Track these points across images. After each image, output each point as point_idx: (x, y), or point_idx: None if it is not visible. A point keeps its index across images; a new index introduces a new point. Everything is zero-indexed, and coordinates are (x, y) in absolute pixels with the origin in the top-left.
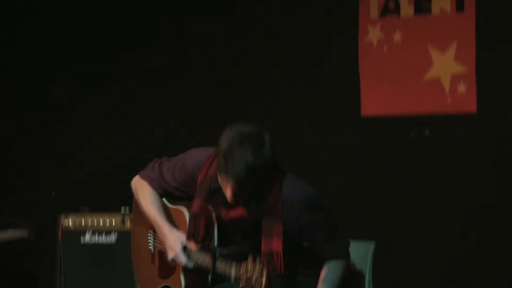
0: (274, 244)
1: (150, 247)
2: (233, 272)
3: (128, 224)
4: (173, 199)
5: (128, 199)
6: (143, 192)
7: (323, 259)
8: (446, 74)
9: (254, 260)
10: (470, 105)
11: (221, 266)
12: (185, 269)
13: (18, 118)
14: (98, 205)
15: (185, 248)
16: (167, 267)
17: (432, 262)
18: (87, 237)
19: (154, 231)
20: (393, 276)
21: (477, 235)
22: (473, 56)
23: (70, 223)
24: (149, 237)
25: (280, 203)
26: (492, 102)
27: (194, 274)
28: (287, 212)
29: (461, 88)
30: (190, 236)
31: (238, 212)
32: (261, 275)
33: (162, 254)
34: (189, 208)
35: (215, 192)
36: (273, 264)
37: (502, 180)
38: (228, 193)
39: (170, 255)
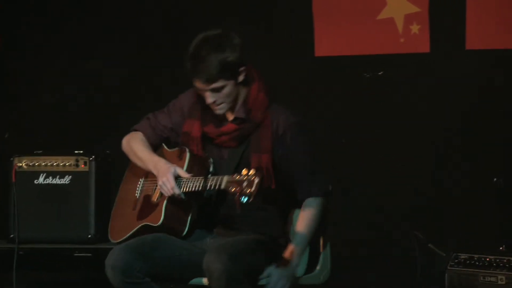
0: (263, 159)
1: (136, 195)
2: (225, 179)
3: (81, 166)
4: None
5: (82, 142)
6: (136, 140)
7: (301, 196)
8: (400, 14)
9: (248, 170)
10: (423, 45)
11: (212, 180)
12: (167, 204)
13: None
14: (52, 147)
15: (176, 178)
16: (147, 208)
17: (391, 201)
18: (41, 179)
19: (146, 178)
20: (348, 219)
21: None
22: None
23: (24, 165)
24: (138, 185)
25: (269, 119)
26: (445, 42)
27: (175, 210)
28: (275, 129)
29: (414, 28)
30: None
31: (227, 127)
32: (254, 178)
33: (147, 197)
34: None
35: (206, 111)
36: (263, 178)
37: (455, 119)
38: (207, 97)
39: (160, 181)
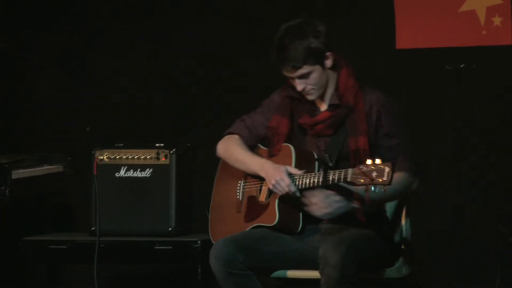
0: (360, 141)
1: (238, 197)
2: (350, 172)
3: (162, 159)
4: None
5: (163, 136)
6: (234, 144)
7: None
8: (481, 7)
9: (373, 160)
10: (506, 37)
11: (334, 175)
12: (279, 203)
13: (53, 51)
14: (133, 140)
15: (290, 175)
16: (256, 209)
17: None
18: (122, 172)
19: (246, 180)
20: (427, 212)
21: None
22: None
23: (105, 158)
24: (238, 188)
25: (362, 103)
26: None
27: (288, 209)
28: (369, 111)
29: (497, 20)
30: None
31: (322, 115)
32: (384, 167)
33: (252, 198)
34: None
35: (297, 104)
36: (360, 159)
37: None
38: (296, 84)
39: (273, 180)
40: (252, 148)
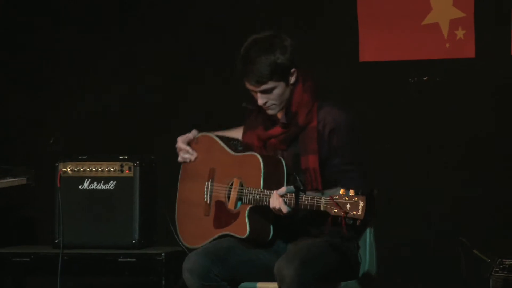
0: (310, 160)
1: (205, 199)
2: (323, 201)
3: (126, 171)
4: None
5: (127, 147)
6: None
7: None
8: (445, 19)
9: (345, 191)
10: (469, 50)
11: (306, 200)
12: (250, 214)
13: (16, 66)
14: (97, 152)
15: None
16: (225, 216)
17: (431, 207)
18: (86, 184)
19: (212, 182)
20: (393, 224)
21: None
22: (471, 1)
23: (69, 170)
24: (206, 189)
25: (315, 120)
26: (490, 47)
27: (258, 220)
28: (321, 129)
29: (460, 33)
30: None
31: (275, 130)
32: (358, 201)
33: (220, 204)
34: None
35: (255, 114)
36: (310, 180)
37: (501, 125)
38: (258, 98)
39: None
40: None
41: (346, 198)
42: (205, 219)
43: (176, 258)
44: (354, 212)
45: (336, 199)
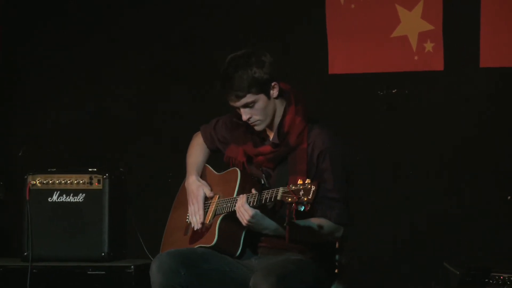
0: (298, 181)
1: (187, 220)
2: (281, 190)
3: (95, 184)
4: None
5: (96, 161)
6: (195, 140)
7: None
8: (413, 32)
9: (303, 180)
10: (438, 63)
11: (268, 193)
12: (221, 224)
13: None
14: (66, 165)
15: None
16: (200, 231)
17: (404, 217)
18: (55, 197)
19: None
20: (362, 240)
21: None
22: (440, 14)
23: (38, 183)
24: (188, 211)
25: (306, 142)
26: (459, 60)
27: (229, 231)
28: (311, 152)
29: (428, 46)
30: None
31: (264, 148)
32: (310, 186)
33: None
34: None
35: (248, 129)
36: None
37: (468, 137)
38: (242, 113)
39: (193, 202)
40: (214, 151)
41: (301, 186)
42: (183, 239)
43: (145, 270)
44: (305, 198)
45: (291, 187)
